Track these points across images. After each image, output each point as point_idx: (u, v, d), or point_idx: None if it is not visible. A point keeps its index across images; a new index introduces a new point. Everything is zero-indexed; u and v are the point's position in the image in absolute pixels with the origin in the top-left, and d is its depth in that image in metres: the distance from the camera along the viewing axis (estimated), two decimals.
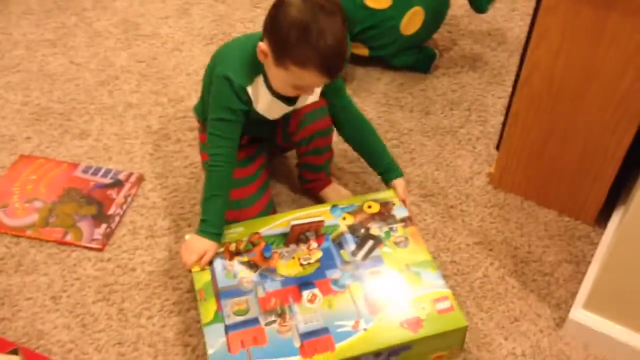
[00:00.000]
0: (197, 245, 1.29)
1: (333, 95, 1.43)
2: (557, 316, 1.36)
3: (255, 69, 1.30)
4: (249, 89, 1.31)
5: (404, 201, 1.42)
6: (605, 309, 1.26)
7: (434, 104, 1.82)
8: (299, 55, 1.18)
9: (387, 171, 1.46)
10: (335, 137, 1.50)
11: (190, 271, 1.31)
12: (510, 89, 1.76)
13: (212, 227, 1.30)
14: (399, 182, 1.44)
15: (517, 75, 1.44)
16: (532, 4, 1.37)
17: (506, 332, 1.33)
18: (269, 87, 1.31)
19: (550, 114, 1.40)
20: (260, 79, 1.31)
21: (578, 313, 1.29)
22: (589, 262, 1.42)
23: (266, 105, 1.34)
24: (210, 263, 1.30)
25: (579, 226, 1.52)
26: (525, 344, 1.31)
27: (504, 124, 1.54)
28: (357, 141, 1.48)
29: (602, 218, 1.49)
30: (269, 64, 1.26)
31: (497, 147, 1.61)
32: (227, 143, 1.31)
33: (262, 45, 1.24)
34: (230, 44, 1.43)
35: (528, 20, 1.47)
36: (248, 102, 1.32)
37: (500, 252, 1.48)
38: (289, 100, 1.36)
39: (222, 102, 1.31)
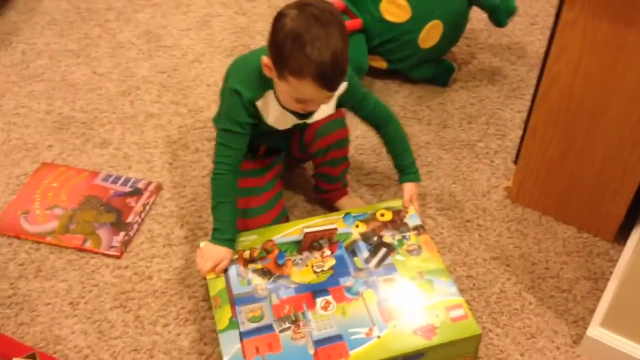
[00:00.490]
0: (212, 252, 1.31)
1: (358, 108, 1.44)
2: (575, 333, 1.34)
3: (265, 82, 1.30)
4: (259, 103, 1.33)
5: (408, 203, 1.42)
6: (623, 326, 1.24)
7: (451, 117, 1.82)
8: (294, 65, 1.19)
9: (401, 172, 1.47)
10: (352, 150, 1.51)
11: (205, 278, 1.32)
12: (529, 103, 1.76)
13: (225, 234, 1.32)
14: (407, 186, 1.44)
15: (536, 90, 1.44)
16: (553, 18, 1.37)
17: (522, 348, 1.32)
18: (277, 100, 1.32)
19: (569, 128, 1.39)
20: (270, 93, 1.32)
21: (595, 331, 1.27)
22: (608, 279, 1.41)
23: (276, 118, 1.35)
24: (225, 270, 1.31)
25: (597, 243, 1.51)
26: None
27: (522, 138, 1.54)
28: (385, 141, 1.49)
29: (622, 235, 1.48)
30: (274, 79, 1.26)
31: (515, 161, 1.61)
32: (232, 153, 1.34)
33: (265, 60, 1.25)
34: (243, 57, 1.44)
35: (548, 34, 1.47)
36: (257, 115, 1.34)
37: (517, 267, 1.47)
38: (301, 115, 1.36)
39: (230, 115, 1.33)
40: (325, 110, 1.39)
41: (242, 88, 1.30)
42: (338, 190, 1.55)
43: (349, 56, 1.23)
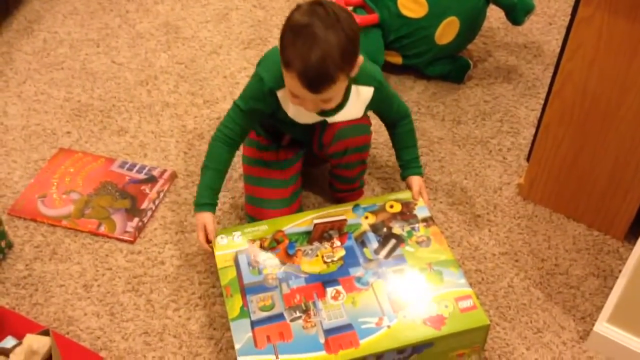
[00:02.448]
0: (197, 222, 1.35)
1: (384, 111, 1.46)
2: (582, 329, 1.34)
3: None
4: (279, 93, 1.34)
5: (417, 195, 1.43)
6: (631, 323, 1.24)
7: (466, 113, 1.83)
8: (286, 56, 1.21)
9: (406, 166, 1.48)
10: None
11: (211, 251, 1.34)
12: (543, 102, 1.76)
13: (202, 199, 1.36)
14: (414, 179, 1.45)
15: (550, 87, 1.44)
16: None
17: (528, 342, 1.33)
18: None
19: (582, 126, 1.39)
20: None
21: (602, 327, 1.27)
22: (617, 277, 1.40)
23: (297, 110, 1.37)
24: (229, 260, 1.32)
25: (608, 241, 1.51)
26: (548, 356, 1.30)
27: (535, 135, 1.54)
28: (395, 134, 1.50)
29: (632, 233, 1.47)
30: None
31: (528, 159, 1.61)
32: (234, 127, 1.37)
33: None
34: (276, 47, 1.46)
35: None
36: (277, 105, 1.36)
37: (526, 263, 1.47)
38: (321, 112, 1.37)
39: (248, 94, 1.37)
40: (349, 113, 1.38)
41: (266, 75, 1.33)
42: (353, 191, 1.56)
43: (345, 67, 1.22)
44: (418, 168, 1.48)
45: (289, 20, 1.23)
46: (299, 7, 1.24)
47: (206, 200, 1.36)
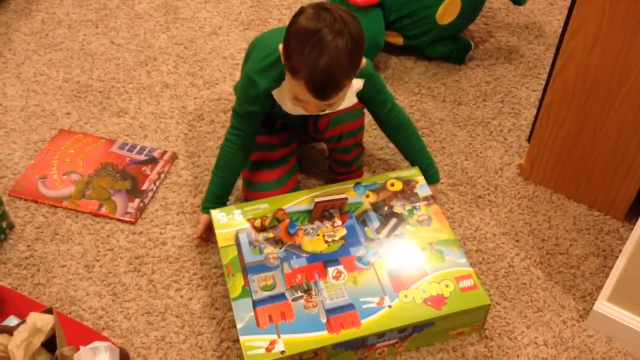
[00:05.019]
0: (200, 219, 1.43)
1: (376, 107, 1.43)
2: (582, 308, 1.35)
3: (282, 73, 1.29)
4: (275, 92, 1.34)
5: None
6: (631, 302, 1.25)
7: (466, 94, 1.82)
8: (293, 63, 1.19)
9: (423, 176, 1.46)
10: (365, 124, 1.51)
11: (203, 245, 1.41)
12: (545, 82, 1.75)
13: (206, 202, 1.42)
14: (431, 189, 1.44)
15: (552, 67, 1.43)
16: None
17: (529, 321, 1.33)
18: None
19: (583, 106, 1.39)
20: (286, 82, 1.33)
21: (602, 305, 1.28)
22: (617, 257, 1.41)
23: (291, 106, 1.35)
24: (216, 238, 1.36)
25: (608, 221, 1.51)
26: (548, 334, 1.31)
27: (536, 116, 1.54)
28: (400, 146, 1.50)
29: (632, 213, 1.48)
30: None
31: (529, 140, 1.61)
32: (239, 133, 1.39)
33: (280, 47, 1.24)
34: (267, 37, 1.43)
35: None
36: (271, 104, 1.36)
37: (526, 243, 1.47)
38: None
39: (244, 99, 1.36)
40: (344, 103, 1.37)
41: (259, 77, 1.31)
42: (352, 173, 1.56)
43: (351, 72, 1.21)
44: (434, 175, 1.48)
45: (294, 25, 1.19)
46: (303, 11, 1.20)
47: (207, 204, 1.42)
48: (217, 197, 1.42)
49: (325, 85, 1.18)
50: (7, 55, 1.90)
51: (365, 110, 1.45)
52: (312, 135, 1.54)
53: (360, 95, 1.39)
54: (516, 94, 1.82)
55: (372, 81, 1.38)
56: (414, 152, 1.49)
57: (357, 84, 1.36)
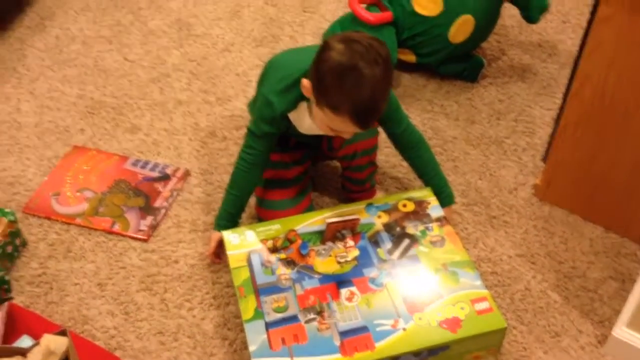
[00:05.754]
0: (211, 236, 1.43)
1: (391, 126, 1.43)
2: (600, 333, 1.33)
3: (299, 94, 1.30)
4: (291, 115, 1.34)
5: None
6: None
7: (480, 113, 1.81)
8: (332, 100, 1.19)
9: (437, 197, 1.44)
10: (379, 142, 1.50)
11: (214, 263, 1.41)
12: (559, 101, 1.74)
13: (220, 219, 1.42)
14: (445, 212, 1.43)
15: (568, 88, 1.42)
16: (586, 16, 1.35)
17: (546, 346, 1.32)
18: (311, 114, 1.33)
19: (600, 127, 1.38)
20: (303, 104, 1.33)
21: (621, 331, 1.26)
22: (635, 281, 1.39)
23: (308, 127, 1.37)
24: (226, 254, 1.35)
25: (625, 243, 1.49)
26: None
27: (552, 135, 1.52)
28: (414, 165, 1.49)
29: None
30: (312, 101, 1.27)
31: (544, 159, 1.59)
32: (254, 152, 1.38)
33: (306, 83, 1.25)
34: (284, 59, 1.44)
35: (580, 32, 1.45)
36: (287, 125, 1.36)
37: (543, 265, 1.46)
38: None
39: (260, 119, 1.36)
40: None
41: (276, 99, 1.32)
42: (365, 192, 1.55)
43: (389, 94, 1.23)
44: (448, 197, 1.47)
45: (327, 62, 1.19)
46: (331, 46, 1.19)
47: (219, 221, 1.42)
48: (231, 215, 1.42)
49: (369, 116, 1.21)
50: (22, 71, 1.91)
51: (379, 129, 1.45)
52: (326, 153, 1.53)
53: None
54: (530, 113, 1.81)
55: (389, 100, 1.37)
56: (428, 172, 1.48)
57: None
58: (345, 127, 1.24)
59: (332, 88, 1.18)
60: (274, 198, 1.46)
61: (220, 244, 1.40)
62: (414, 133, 1.46)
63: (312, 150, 1.55)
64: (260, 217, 1.48)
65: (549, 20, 2.09)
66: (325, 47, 1.21)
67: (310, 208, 1.51)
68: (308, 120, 1.34)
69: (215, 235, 1.41)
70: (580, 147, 1.44)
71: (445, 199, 1.46)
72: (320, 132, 1.36)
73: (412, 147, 1.46)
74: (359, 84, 1.16)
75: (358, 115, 1.19)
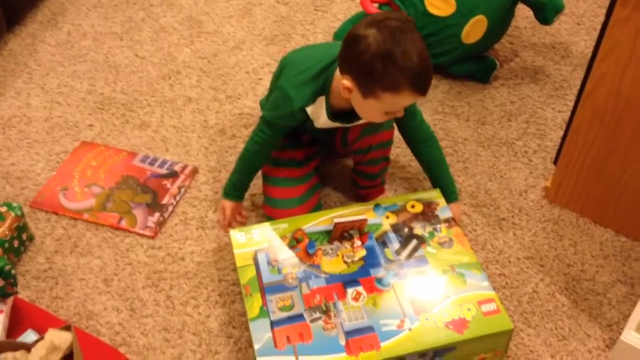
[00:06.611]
0: (224, 205, 1.48)
1: (407, 119, 1.42)
2: (608, 337, 1.31)
3: (318, 88, 1.31)
4: (309, 109, 1.33)
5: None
6: None
7: (491, 114, 1.80)
8: (390, 82, 1.19)
9: (443, 194, 1.44)
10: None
11: (226, 232, 1.47)
12: (571, 104, 1.73)
13: (226, 189, 1.49)
14: (452, 207, 1.43)
15: (581, 89, 1.41)
16: (600, 19, 1.34)
17: (553, 349, 1.30)
18: (328, 109, 1.33)
19: (613, 129, 1.36)
20: (322, 99, 1.32)
21: (630, 335, 1.24)
22: None
23: (324, 123, 1.37)
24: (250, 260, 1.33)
25: (636, 247, 1.47)
26: None
27: (563, 138, 1.51)
28: (423, 160, 1.49)
29: None
30: (356, 98, 1.26)
31: (555, 162, 1.58)
32: (266, 138, 1.40)
33: (347, 83, 1.24)
34: (299, 55, 1.44)
35: (594, 34, 1.44)
36: (304, 118, 1.35)
37: (551, 268, 1.44)
38: (349, 121, 1.37)
39: (276, 112, 1.37)
40: None
41: (295, 94, 1.31)
42: (375, 187, 1.55)
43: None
44: (454, 195, 1.47)
45: (368, 50, 1.18)
46: (364, 35, 1.19)
47: (228, 190, 1.48)
48: (239, 190, 1.49)
49: (427, 79, 1.23)
50: (33, 66, 1.91)
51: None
52: (338, 149, 1.53)
53: None
54: (542, 115, 1.79)
55: None
56: (436, 168, 1.48)
57: None
58: (406, 103, 1.26)
59: (386, 72, 1.18)
60: (283, 197, 1.45)
61: (235, 209, 1.48)
62: (428, 128, 1.47)
63: (323, 147, 1.54)
64: (268, 215, 1.48)
65: (562, 22, 2.07)
66: (356, 39, 1.20)
67: (318, 207, 1.50)
68: (324, 114, 1.34)
69: (228, 204, 1.47)
70: (591, 149, 1.42)
71: (451, 195, 1.46)
72: (334, 126, 1.36)
73: (424, 142, 1.46)
74: (408, 55, 1.18)
75: (418, 84, 1.21)
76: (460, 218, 1.49)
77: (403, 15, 1.25)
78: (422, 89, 1.22)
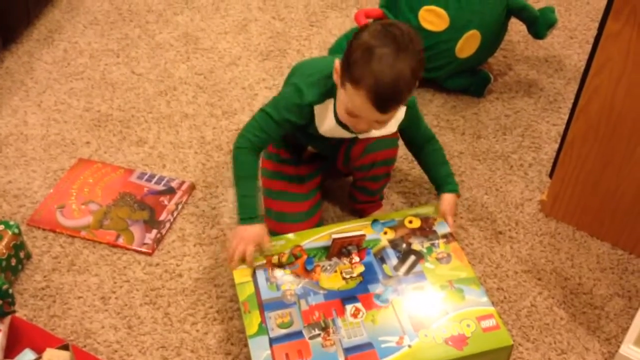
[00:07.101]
0: (251, 234, 1.30)
1: (411, 130, 1.44)
2: (606, 351, 1.32)
3: (329, 90, 1.31)
4: (316, 107, 1.33)
5: (443, 216, 1.40)
6: None
7: (486, 128, 1.81)
8: (355, 73, 1.19)
9: (441, 183, 1.45)
10: None
11: (238, 264, 1.31)
12: (565, 117, 1.74)
13: (254, 211, 1.31)
14: (445, 197, 1.43)
15: (575, 103, 1.42)
16: (592, 32, 1.36)
17: None
18: (335, 112, 1.33)
19: (607, 143, 1.37)
20: (331, 102, 1.33)
21: (628, 349, 1.25)
22: None
23: (329, 128, 1.36)
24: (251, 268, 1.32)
25: (632, 260, 1.48)
26: None
27: (558, 151, 1.52)
28: (424, 161, 1.50)
29: None
30: (337, 85, 1.27)
31: (551, 175, 1.59)
32: (262, 135, 1.33)
33: (337, 63, 1.25)
34: (311, 61, 1.47)
35: (587, 48, 1.45)
36: (309, 118, 1.35)
37: (549, 282, 1.44)
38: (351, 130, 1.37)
39: (282, 105, 1.34)
40: (385, 130, 1.36)
41: (306, 88, 1.31)
42: (373, 203, 1.55)
43: (412, 88, 1.22)
44: (453, 185, 1.46)
45: (360, 38, 1.20)
46: (367, 28, 1.21)
47: (259, 212, 1.32)
48: (258, 202, 1.34)
49: (388, 96, 1.18)
50: (29, 84, 1.92)
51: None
52: (340, 167, 1.52)
53: (403, 124, 1.40)
54: (536, 128, 1.81)
55: (414, 111, 1.40)
56: (438, 163, 1.48)
57: (400, 113, 1.36)
58: (363, 110, 1.21)
59: (359, 61, 1.18)
60: (289, 210, 1.45)
61: (258, 235, 1.29)
62: (429, 130, 1.48)
63: (325, 164, 1.54)
64: (271, 229, 1.45)
65: (555, 36, 2.09)
66: (362, 28, 1.23)
67: (320, 223, 1.50)
68: (330, 118, 1.34)
69: (253, 231, 1.28)
70: (586, 162, 1.43)
71: (449, 185, 1.44)
72: (337, 136, 1.36)
73: (427, 142, 1.47)
74: (385, 64, 1.16)
75: (377, 95, 1.17)
76: (455, 212, 1.45)
77: (413, 34, 1.21)
78: (377, 102, 1.18)
